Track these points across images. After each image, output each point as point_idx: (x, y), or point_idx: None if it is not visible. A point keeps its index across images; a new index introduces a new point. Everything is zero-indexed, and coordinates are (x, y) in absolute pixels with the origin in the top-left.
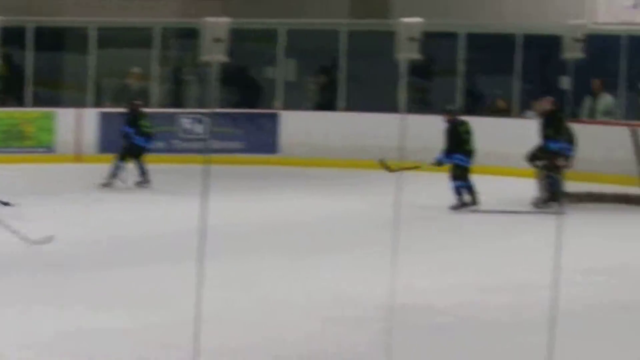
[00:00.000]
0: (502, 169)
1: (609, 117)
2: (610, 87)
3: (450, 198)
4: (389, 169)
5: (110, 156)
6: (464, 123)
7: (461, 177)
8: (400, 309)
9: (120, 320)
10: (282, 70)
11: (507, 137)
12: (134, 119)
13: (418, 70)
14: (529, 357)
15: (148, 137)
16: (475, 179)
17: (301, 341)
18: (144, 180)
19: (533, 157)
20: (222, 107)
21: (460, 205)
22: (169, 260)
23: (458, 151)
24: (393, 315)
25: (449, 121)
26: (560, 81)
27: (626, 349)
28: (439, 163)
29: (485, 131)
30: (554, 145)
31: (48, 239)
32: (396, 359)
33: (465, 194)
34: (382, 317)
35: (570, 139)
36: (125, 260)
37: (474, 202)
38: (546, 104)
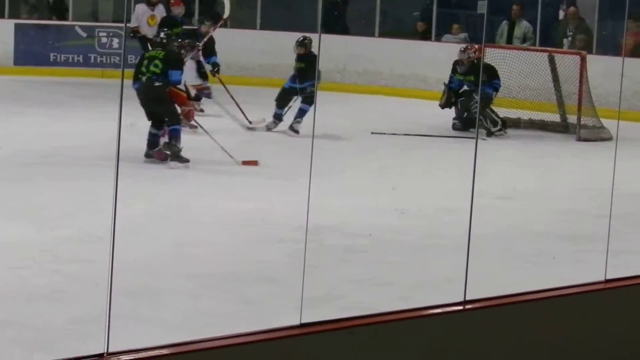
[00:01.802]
0: (421, 92)
1: (527, 43)
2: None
3: (372, 119)
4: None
5: (26, 69)
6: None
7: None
8: (315, 230)
9: (30, 233)
10: None
11: (426, 60)
12: None
13: None
14: (443, 278)
15: None
16: (395, 101)
17: (216, 260)
18: None
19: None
20: None
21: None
22: (81, 175)
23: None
24: (308, 235)
25: (305, 54)
26: (478, 5)
27: (539, 273)
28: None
29: (405, 54)
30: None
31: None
32: (309, 279)
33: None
34: (298, 238)
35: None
36: (38, 174)
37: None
38: (471, 52)
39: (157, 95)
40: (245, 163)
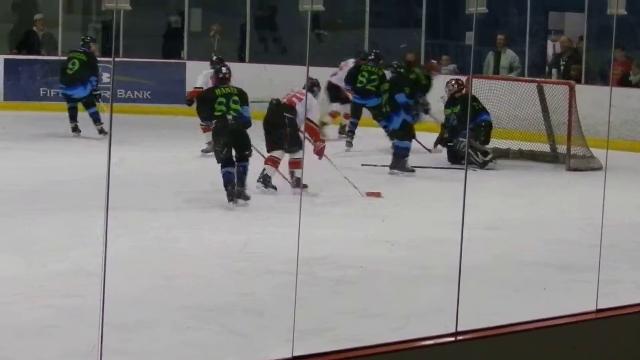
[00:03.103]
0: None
1: (514, 72)
2: (514, 43)
3: (362, 151)
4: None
5: (16, 104)
6: None
7: None
8: (306, 262)
9: (21, 268)
10: (188, 20)
11: None
12: None
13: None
14: (434, 309)
15: None
16: (379, 132)
17: (206, 292)
18: None
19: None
20: (130, 55)
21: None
22: (71, 210)
23: None
24: (298, 267)
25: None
26: (466, 36)
27: (529, 303)
28: None
29: None
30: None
31: None
32: (300, 311)
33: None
34: (288, 271)
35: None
36: (28, 209)
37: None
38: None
39: (243, 132)
40: (369, 195)
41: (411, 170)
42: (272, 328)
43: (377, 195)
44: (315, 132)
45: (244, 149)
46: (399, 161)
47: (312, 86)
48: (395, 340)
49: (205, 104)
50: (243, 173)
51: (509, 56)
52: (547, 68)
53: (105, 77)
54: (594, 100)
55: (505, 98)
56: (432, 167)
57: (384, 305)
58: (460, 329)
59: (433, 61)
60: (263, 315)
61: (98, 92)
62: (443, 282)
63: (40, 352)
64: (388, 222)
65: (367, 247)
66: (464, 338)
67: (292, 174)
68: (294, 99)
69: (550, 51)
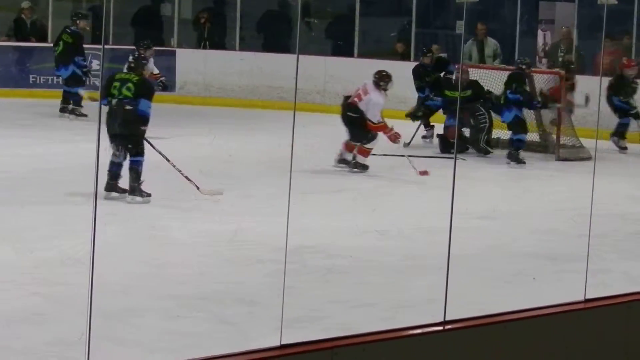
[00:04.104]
0: (401, 113)
1: (497, 60)
2: (503, 32)
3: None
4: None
5: (5, 91)
6: None
7: None
8: (296, 251)
9: (9, 255)
10: (178, 8)
11: (405, 81)
12: None
13: None
14: (424, 299)
15: None
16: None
17: (196, 280)
18: None
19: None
20: (120, 43)
21: None
22: (60, 197)
23: None
24: (289, 256)
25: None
26: (457, 25)
27: (519, 293)
28: None
29: None
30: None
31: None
32: (290, 300)
33: None
34: (278, 259)
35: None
36: (17, 196)
37: None
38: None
39: (126, 118)
40: (421, 173)
41: (522, 162)
42: (262, 316)
43: (425, 173)
44: (381, 128)
45: (128, 142)
46: (512, 153)
47: (380, 80)
48: (383, 329)
49: (106, 84)
50: (134, 170)
51: (491, 44)
52: (537, 57)
53: (95, 64)
54: (583, 90)
55: (494, 87)
56: (420, 156)
57: (374, 295)
58: (450, 318)
59: (628, 59)
60: (253, 304)
61: (87, 69)
62: (434, 272)
63: (28, 339)
64: (378, 212)
65: (357, 236)
66: (452, 327)
67: (354, 156)
68: (356, 99)
69: (540, 41)
